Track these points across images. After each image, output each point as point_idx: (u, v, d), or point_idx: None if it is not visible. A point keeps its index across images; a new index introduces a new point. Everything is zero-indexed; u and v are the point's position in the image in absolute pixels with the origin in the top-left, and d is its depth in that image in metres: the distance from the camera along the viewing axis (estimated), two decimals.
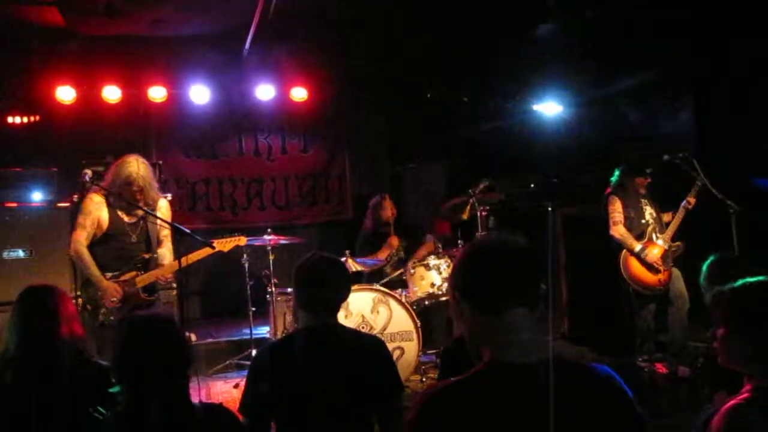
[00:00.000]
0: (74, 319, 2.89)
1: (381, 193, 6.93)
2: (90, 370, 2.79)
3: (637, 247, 5.67)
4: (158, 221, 4.62)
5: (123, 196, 4.48)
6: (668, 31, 6.55)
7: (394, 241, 6.54)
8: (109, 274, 4.48)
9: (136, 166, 4.47)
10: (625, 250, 5.73)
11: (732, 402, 1.90)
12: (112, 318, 4.42)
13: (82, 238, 4.44)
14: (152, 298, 4.62)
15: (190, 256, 4.58)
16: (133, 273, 4.54)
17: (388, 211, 6.66)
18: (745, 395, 1.92)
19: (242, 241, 5.22)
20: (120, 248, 4.55)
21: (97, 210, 4.50)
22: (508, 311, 1.59)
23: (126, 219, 4.57)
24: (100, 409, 2.59)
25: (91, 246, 4.49)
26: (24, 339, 2.70)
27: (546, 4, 6.66)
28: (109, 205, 4.53)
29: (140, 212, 4.59)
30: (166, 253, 4.74)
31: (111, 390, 2.64)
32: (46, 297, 2.82)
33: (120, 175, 4.44)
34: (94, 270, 4.42)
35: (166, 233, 4.75)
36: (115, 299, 4.41)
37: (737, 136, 6.42)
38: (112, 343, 4.05)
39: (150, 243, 4.67)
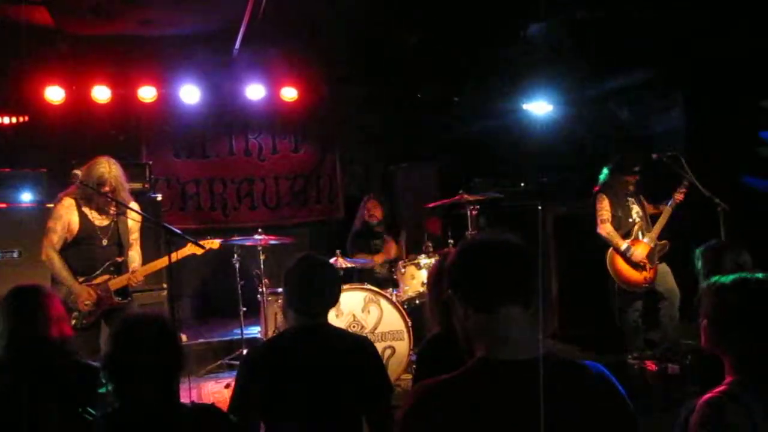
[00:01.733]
0: (63, 319, 2.86)
1: (369, 194, 7.01)
2: (79, 370, 2.77)
3: (623, 245, 5.70)
4: (133, 219, 4.61)
5: (95, 199, 4.46)
6: (658, 30, 6.58)
7: (392, 250, 6.57)
8: (81, 278, 4.45)
9: (107, 167, 4.44)
10: (611, 249, 5.77)
11: (707, 395, 1.92)
12: (84, 321, 4.40)
13: (53, 242, 4.42)
14: (125, 301, 4.61)
15: (171, 255, 4.56)
16: (106, 277, 4.53)
17: (367, 213, 6.74)
18: (722, 388, 1.95)
19: (215, 244, 5.21)
20: (91, 252, 4.52)
21: (68, 214, 4.47)
22: (502, 309, 1.60)
23: (97, 222, 4.54)
24: (90, 410, 2.58)
25: (63, 250, 4.46)
26: (12, 340, 2.68)
27: (537, 4, 6.67)
28: (80, 209, 4.50)
29: (112, 214, 4.58)
30: (135, 256, 4.73)
31: (100, 390, 2.64)
32: (34, 297, 2.79)
33: (91, 176, 4.41)
34: (66, 274, 4.39)
35: (135, 236, 4.75)
36: (88, 303, 4.39)
37: (727, 135, 6.45)
38: (86, 345, 4.07)
39: (122, 246, 4.66)
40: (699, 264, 3.58)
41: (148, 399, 2.16)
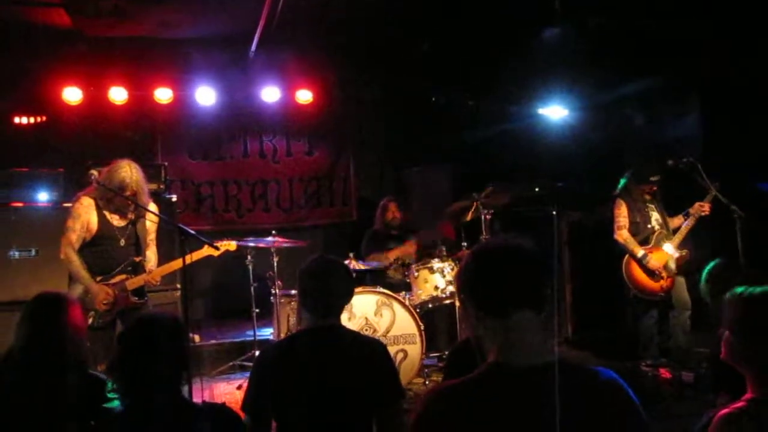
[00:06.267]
0: (81, 329, 2.90)
1: (389, 196, 7.01)
2: (89, 381, 2.79)
3: (640, 252, 5.66)
4: (151, 220, 4.64)
5: (114, 200, 4.49)
6: (674, 35, 6.54)
7: (411, 247, 6.56)
8: (98, 278, 4.48)
9: (129, 171, 4.46)
10: (627, 255, 5.73)
11: (726, 410, 1.90)
12: (101, 321, 4.42)
13: (72, 241, 4.44)
14: (142, 301, 4.64)
15: (188, 256, 4.57)
16: (123, 276, 4.56)
17: (390, 214, 6.74)
18: (741, 404, 1.91)
19: (232, 246, 5.23)
20: (109, 252, 4.55)
21: (87, 213, 4.50)
22: (515, 313, 1.59)
23: (115, 223, 4.57)
24: (92, 423, 2.60)
25: (81, 249, 4.49)
26: (30, 345, 2.71)
27: (552, 9, 6.65)
28: (99, 209, 4.53)
29: (131, 216, 4.61)
30: (151, 256, 4.76)
31: (107, 405, 2.66)
32: (56, 306, 2.82)
33: (113, 181, 4.43)
34: (84, 273, 4.41)
35: (152, 237, 4.78)
36: (105, 302, 4.41)
37: (743, 141, 6.40)
38: (101, 344, 4.11)
39: (139, 246, 4.68)
40: (706, 287, 3.55)
41: (155, 399, 2.19)
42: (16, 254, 5.68)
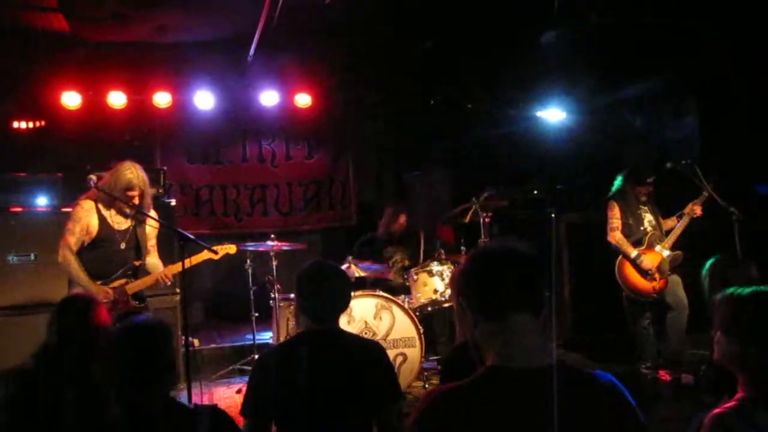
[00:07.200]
0: (108, 324, 2.99)
1: (400, 206, 6.95)
2: None
3: (633, 253, 5.67)
4: (151, 223, 4.64)
5: (116, 203, 4.49)
6: (672, 37, 6.56)
7: (388, 273, 6.54)
8: (98, 282, 4.47)
9: (134, 171, 4.49)
10: (620, 256, 5.74)
11: (718, 410, 1.90)
12: None
13: (70, 243, 4.44)
14: (142, 305, 4.63)
15: (188, 259, 4.58)
16: (123, 280, 4.55)
17: (398, 225, 6.70)
18: (732, 404, 1.91)
19: (232, 249, 5.24)
20: (108, 255, 4.54)
21: (87, 216, 4.50)
22: (512, 316, 1.60)
23: (116, 226, 4.57)
24: None
25: (80, 252, 4.49)
26: (62, 345, 2.79)
27: (551, 11, 6.66)
28: (99, 212, 4.53)
29: (132, 219, 4.61)
30: (156, 263, 4.75)
31: None
32: (86, 309, 2.92)
33: (120, 182, 4.44)
34: (83, 275, 4.41)
35: (152, 243, 4.77)
36: (105, 302, 4.40)
37: (741, 144, 6.41)
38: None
39: (140, 250, 4.68)
40: (706, 281, 3.55)
41: (146, 401, 2.24)
42: (14, 259, 5.67)
